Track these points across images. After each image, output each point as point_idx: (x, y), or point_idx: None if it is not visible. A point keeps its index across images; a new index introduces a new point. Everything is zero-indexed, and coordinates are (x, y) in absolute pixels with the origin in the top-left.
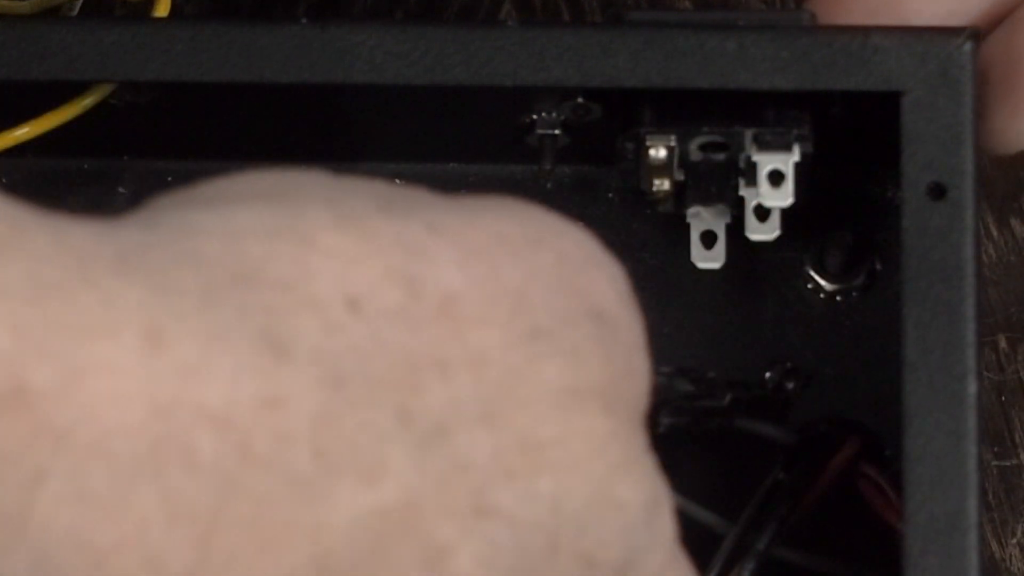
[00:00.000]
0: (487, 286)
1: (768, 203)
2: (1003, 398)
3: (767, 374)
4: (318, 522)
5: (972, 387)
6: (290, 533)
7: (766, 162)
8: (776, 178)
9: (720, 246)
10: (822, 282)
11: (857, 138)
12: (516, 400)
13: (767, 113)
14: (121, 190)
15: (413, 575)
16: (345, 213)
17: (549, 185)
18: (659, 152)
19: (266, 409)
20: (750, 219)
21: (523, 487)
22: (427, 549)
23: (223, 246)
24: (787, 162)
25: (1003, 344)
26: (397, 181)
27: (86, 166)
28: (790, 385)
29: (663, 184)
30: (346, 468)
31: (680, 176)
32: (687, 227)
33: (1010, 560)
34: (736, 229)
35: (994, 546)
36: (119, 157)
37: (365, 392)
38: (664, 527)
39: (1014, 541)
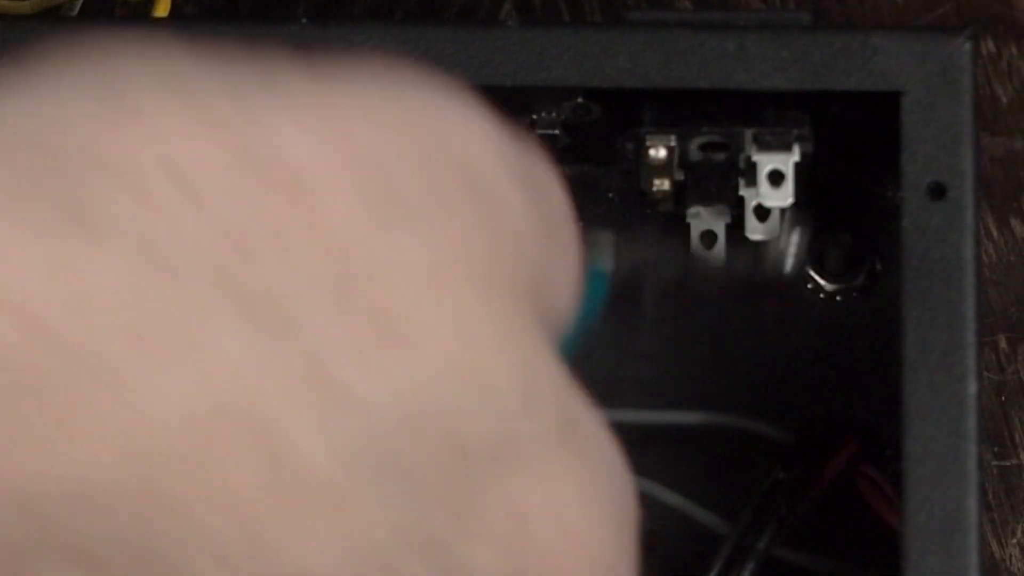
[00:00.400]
0: (340, 158)
1: (768, 203)
2: (1003, 398)
3: None
4: (137, 417)
5: (972, 387)
6: (106, 431)
7: (766, 162)
8: (776, 178)
9: (720, 246)
10: (822, 282)
11: (857, 138)
12: (371, 277)
13: (767, 113)
14: None
15: (253, 473)
16: (180, 89)
17: None
18: (659, 152)
19: (72, 293)
20: (750, 219)
21: (378, 371)
22: (269, 442)
23: (40, 128)
24: (787, 162)
25: (1003, 344)
26: None
27: None
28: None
29: (663, 184)
30: (168, 356)
31: (680, 176)
32: (687, 227)
33: (1010, 560)
34: (736, 229)
35: (994, 546)
36: None
37: (190, 272)
38: (547, 415)
39: (1014, 541)
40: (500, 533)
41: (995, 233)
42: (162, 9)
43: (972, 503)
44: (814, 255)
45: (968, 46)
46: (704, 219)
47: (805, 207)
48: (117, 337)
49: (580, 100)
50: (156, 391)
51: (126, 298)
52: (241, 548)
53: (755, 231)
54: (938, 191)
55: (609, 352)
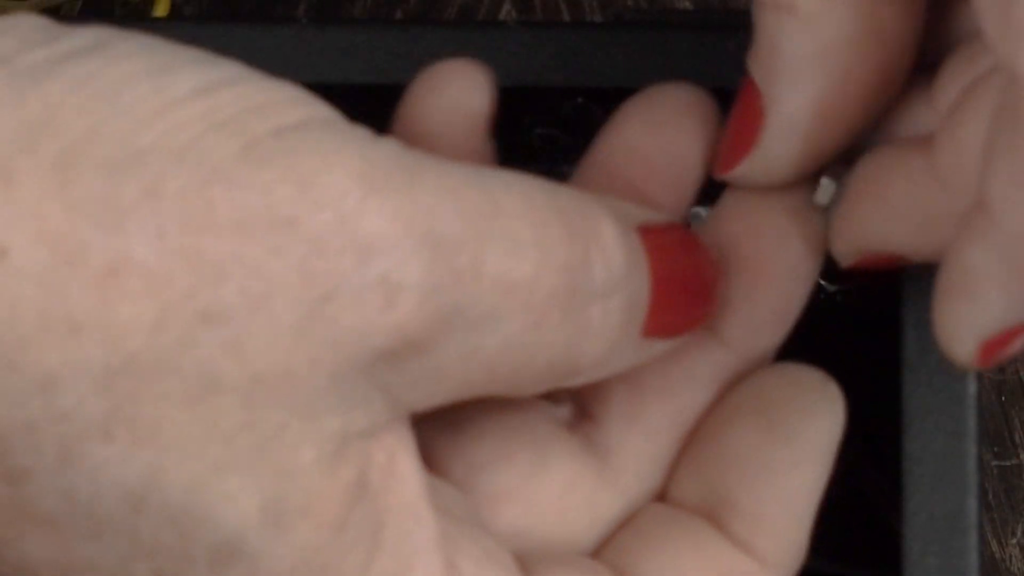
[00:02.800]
0: (178, 264)
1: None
2: (1003, 398)
3: None
4: None
5: (972, 387)
6: None
7: None
8: None
9: None
10: (822, 282)
11: None
12: (145, 377)
13: None
14: None
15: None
16: (62, 164)
17: None
18: None
19: None
20: None
21: (115, 453)
22: None
23: None
24: None
25: None
26: None
27: None
28: None
29: None
30: None
31: None
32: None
33: (1010, 560)
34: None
35: (994, 546)
36: None
37: None
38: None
39: (1014, 541)
40: None
41: None
42: (162, 9)
43: (972, 503)
44: None
45: None
46: (704, 219)
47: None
48: None
49: (580, 100)
50: None
51: None
52: None
53: None
54: None
55: None
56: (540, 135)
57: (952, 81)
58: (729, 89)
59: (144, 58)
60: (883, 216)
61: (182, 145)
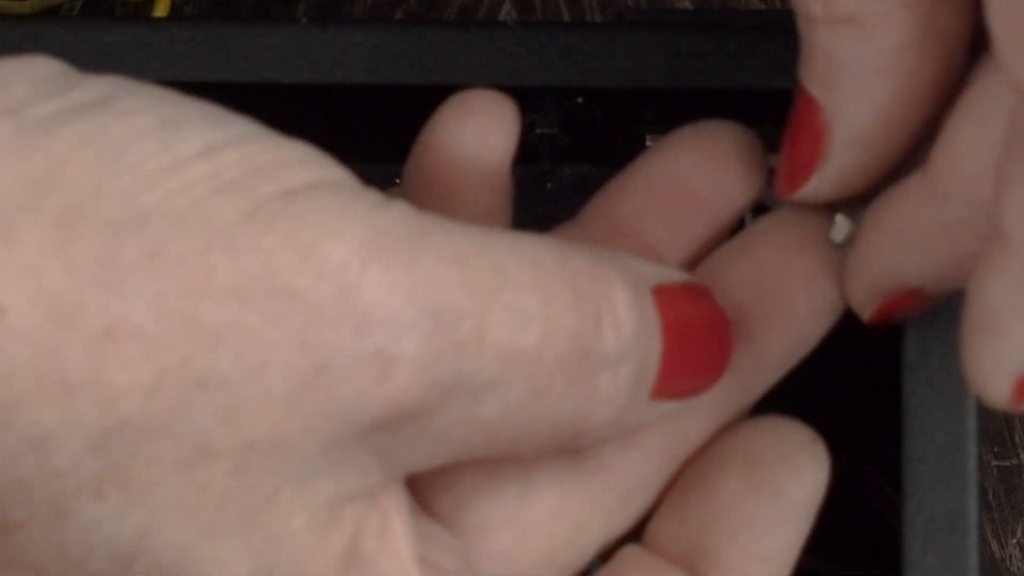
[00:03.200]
0: (174, 329)
1: (768, 203)
2: None
3: None
4: None
5: None
6: None
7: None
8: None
9: None
10: None
11: None
12: (139, 440)
13: (767, 113)
14: None
15: None
16: (63, 223)
17: (549, 185)
18: None
19: None
20: (750, 219)
21: (108, 513)
22: None
23: None
24: None
25: None
26: (397, 181)
27: None
28: None
29: None
30: None
31: None
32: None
33: (1010, 560)
34: (735, 229)
35: (994, 546)
36: None
37: None
38: None
39: (1014, 541)
40: None
41: None
42: (162, 9)
43: (972, 503)
44: None
45: None
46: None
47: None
48: None
49: (580, 100)
50: None
51: None
52: None
53: None
54: None
55: None
56: (540, 135)
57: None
58: (729, 89)
59: (153, 114)
60: (892, 249)
61: (185, 207)
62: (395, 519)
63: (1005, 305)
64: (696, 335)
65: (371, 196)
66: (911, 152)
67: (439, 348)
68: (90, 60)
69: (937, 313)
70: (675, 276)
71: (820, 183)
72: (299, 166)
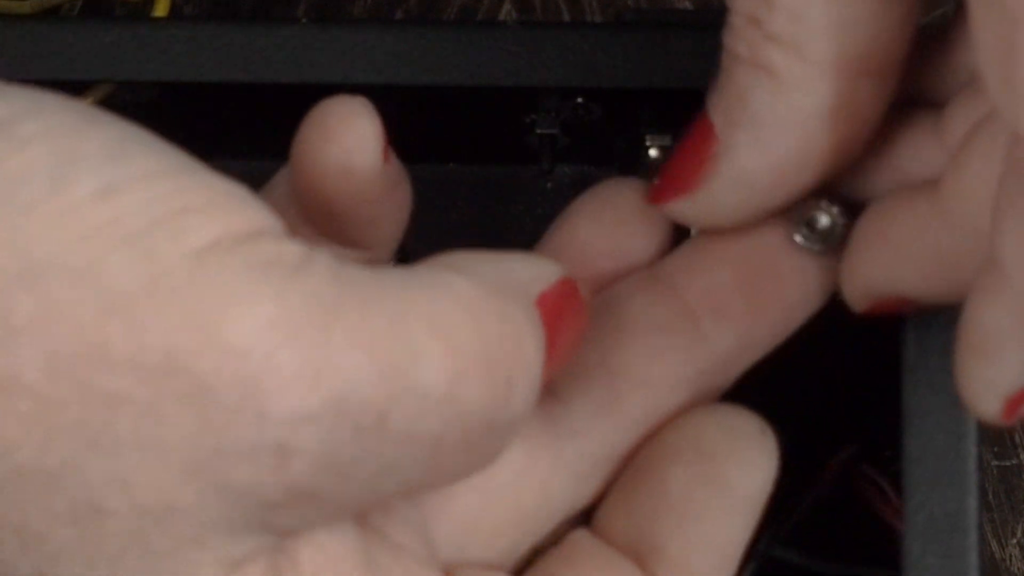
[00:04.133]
0: (68, 392)
1: None
2: None
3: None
4: None
5: None
6: None
7: None
8: None
9: None
10: None
11: None
12: (31, 492)
13: None
14: None
15: None
16: None
17: (549, 185)
18: (659, 152)
19: None
20: None
21: (5, 557)
22: None
23: None
24: None
25: None
26: None
27: None
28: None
29: None
30: None
31: None
32: (687, 227)
33: (1010, 560)
34: None
35: (994, 546)
36: None
37: None
38: None
39: (1014, 541)
40: None
41: None
42: (162, 9)
43: (972, 503)
44: None
45: None
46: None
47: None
48: None
49: (580, 100)
50: None
51: None
52: None
53: None
54: None
55: None
56: (540, 135)
57: (960, 120)
58: None
59: (48, 144)
60: (891, 259)
61: (82, 265)
62: (309, 559)
63: (998, 329)
64: (567, 325)
65: (285, 256)
66: (791, 204)
67: (340, 437)
68: (90, 60)
69: (937, 313)
70: (551, 273)
71: (689, 206)
72: (205, 215)
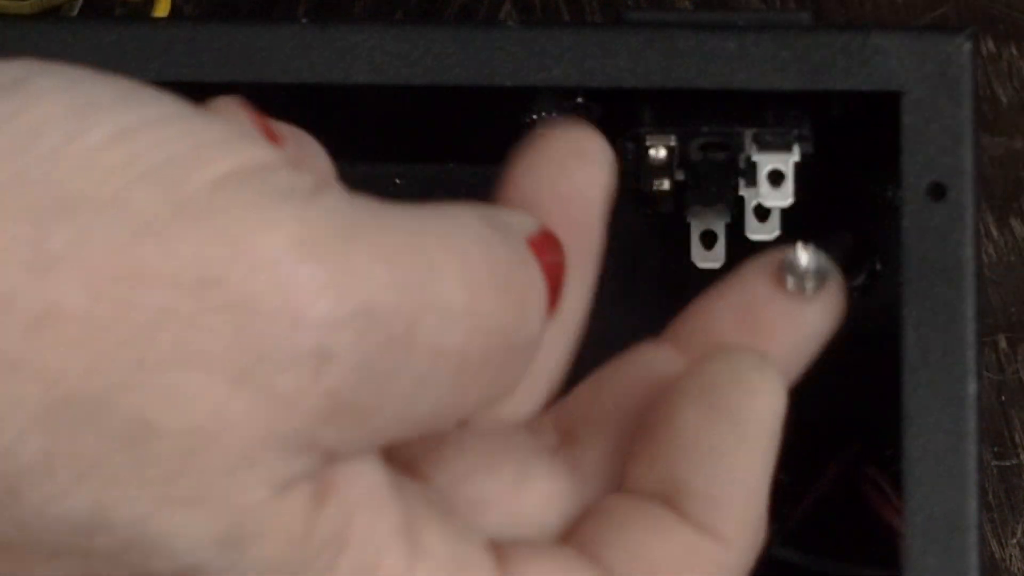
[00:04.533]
0: (108, 314)
1: (768, 203)
2: (1003, 398)
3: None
4: None
5: (972, 387)
6: None
7: (766, 162)
8: (776, 178)
9: (720, 246)
10: None
11: (857, 138)
12: (82, 418)
13: (767, 113)
14: None
15: None
16: None
17: None
18: (659, 152)
19: None
20: (750, 219)
21: (60, 490)
22: None
23: None
24: (787, 162)
25: (1003, 344)
26: (397, 181)
27: None
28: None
29: (663, 184)
30: None
31: (680, 176)
32: (687, 227)
33: (1010, 560)
34: (736, 229)
35: (994, 546)
36: None
37: None
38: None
39: (1014, 541)
40: None
41: (995, 233)
42: (162, 9)
43: (972, 503)
44: None
45: (968, 46)
46: (704, 219)
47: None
48: None
49: (580, 100)
50: None
51: None
52: None
53: (755, 231)
54: (938, 191)
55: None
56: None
57: None
58: (729, 89)
59: (64, 97)
60: None
61: (108, 196)
62: (357, 463)
63: None
64: (553, 272)
65: (300, 184)
66: None
67: (373, 345)
68: (90, 60)
69: (937, 313)
70: (532, 221)
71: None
72: (220, 150)
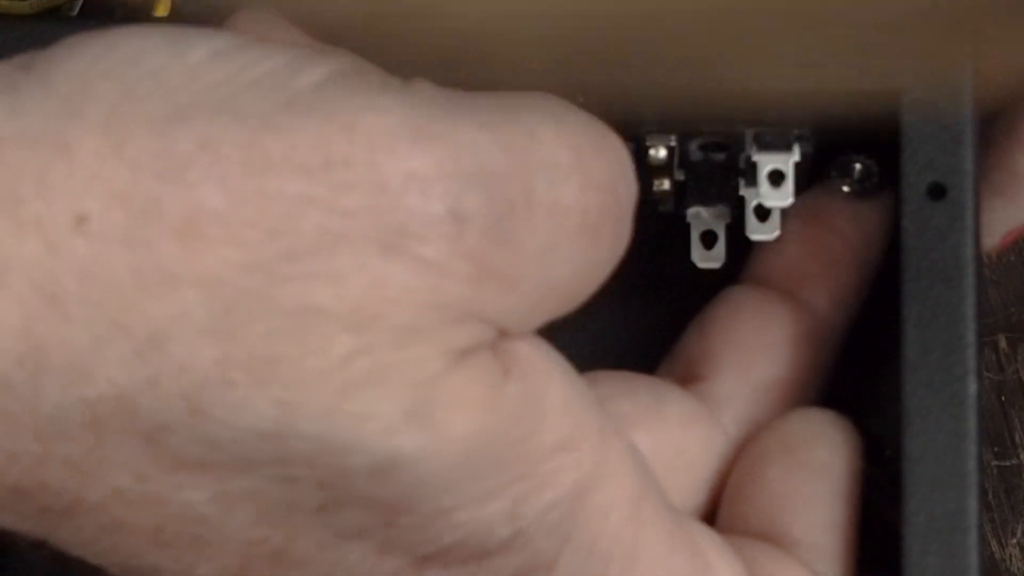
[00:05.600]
0: (249, 207)
1: (768, 203)
2: (1003, 398)
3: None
4: (26, 412)
5: (972, 387)
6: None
7: (766, 162)
8: (776, 178)
9: (720, 246)
10: None
11: (857, 138)
12: (248, 317)
13: (767, 113)
14: None
15: (123, 467)
16: (111, 125)
17: None
18: (659, 152)
19: None
20: (750, 219)
21: (241, 397)
22: (138, 436)
23: None
24: (787, 162)
25: (1003, 344)
26: None
27: None
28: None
29: (663, 184)
30: (55, 370)
31: (680, 176)
32: (687, 227)
33: (1010, 560)
34: (736, 229)
35: (994, 546)
36: None
37: (80, 309)
38: (410, 443)
39: (1014, 541)
40: None
41: None
42: (162, 9)
43: (972, 503)
44: None
45: (968, 46)
46: (704, 219)
47: None
48: (11, 358)
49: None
50: (44, 392)
51: (20, 330)
52: None
53: (756, 231)
54: (938, 191)
55: (608, 354)
56: None
57: None
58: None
59: (155, 32)
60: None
61: (222, 101)
62: (531, 353)
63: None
64: None
65: (391, 79)
66: None
67: (499, 206)
68: None
69: (937, 313)
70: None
71: None
72: (313, 61)
